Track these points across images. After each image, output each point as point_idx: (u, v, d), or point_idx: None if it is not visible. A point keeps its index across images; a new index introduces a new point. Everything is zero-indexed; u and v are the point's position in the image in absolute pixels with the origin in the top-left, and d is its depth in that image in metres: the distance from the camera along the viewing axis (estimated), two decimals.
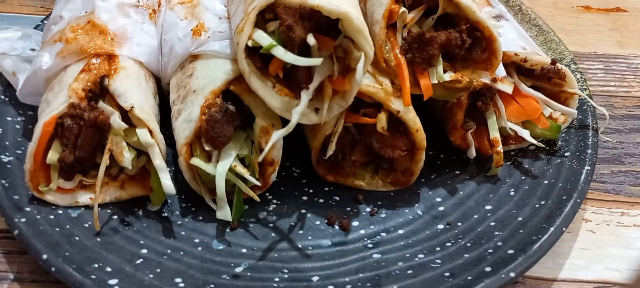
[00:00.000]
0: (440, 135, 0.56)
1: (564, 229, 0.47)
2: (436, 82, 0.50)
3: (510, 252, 0.45)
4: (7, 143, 0.52)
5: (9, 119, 0.55)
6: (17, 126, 0.54)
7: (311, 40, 0.45)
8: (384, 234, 0.49)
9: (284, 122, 0.47)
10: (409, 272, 0.45)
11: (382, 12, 0.50)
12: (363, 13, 0.51)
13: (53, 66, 0.51)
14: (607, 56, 0.75)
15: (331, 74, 0.47)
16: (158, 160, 0.47)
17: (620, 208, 0.54)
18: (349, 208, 0.52)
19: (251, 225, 0.49)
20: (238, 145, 0.49)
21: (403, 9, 0.51)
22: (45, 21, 0.64)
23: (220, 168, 0.47)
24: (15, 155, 0.51)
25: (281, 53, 0.44)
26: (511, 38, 0.56)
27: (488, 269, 0.44)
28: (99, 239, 0.46)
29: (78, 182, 0.49)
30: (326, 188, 0.53)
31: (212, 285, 0.44)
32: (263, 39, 0.45)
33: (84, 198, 0.49)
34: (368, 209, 0.51)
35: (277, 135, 0.45)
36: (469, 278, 0.43)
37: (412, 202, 0.52)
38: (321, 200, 0.52)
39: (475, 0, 0.55)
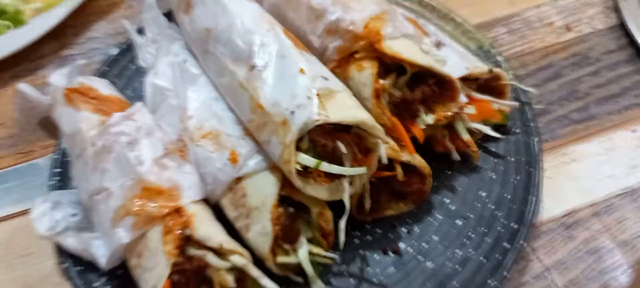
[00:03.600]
0: (425, 147, 0.76)
1: (539, 195, 0.70)
2: (424, 126, 0.70)
3: (515, 226, 0.68)
4: None
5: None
6: None
7: (342, 148, 0.62)
8: (425, 245, 0.70)
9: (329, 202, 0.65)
10: (457, 267, 0.66)
11: (371, 91, 0.69)
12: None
13: (133, 239, 0.63)
14: (505, 18, 0.97)
15: (354, 156, 0.65)
16: (255, 272, 0.63)
17: (560, 151, 0.79)
18: (391, 236, 0.71)
19: (334, 281, 0.67)
20: (304, 232, 0.67)
21: (383, 82, 0.69)
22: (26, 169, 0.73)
23: (303, 256, 0.65)
24: None
25: (327, 167, 0.62)
26: (455, 61, 0.76)
27: (506, 245, 0.66)
28: None
29: None
30: (367, 227, 0.72)
31: None
32: (308, 161, 0.62)
33: None
34: (405, 230, 0.71)
35: (343, 222, 0.63)
36: (498, 256, 0.66)
37: (432, 212, 0.73)
38: (369, 238, 0.71)
39: (415, 34, 0.74)
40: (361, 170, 0.62)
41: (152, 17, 0.87)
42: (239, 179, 0.68)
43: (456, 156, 0.75)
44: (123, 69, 0.88)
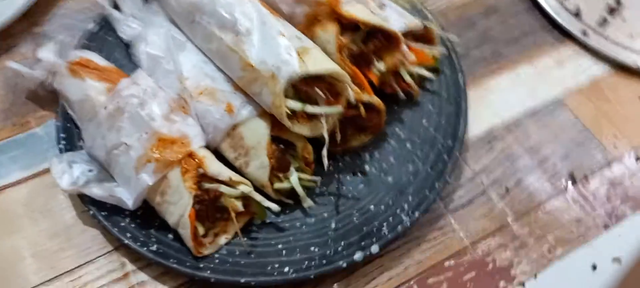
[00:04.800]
0: (377, 91, 0.95)
1: (466, 119, 0.91)
2: (377, 73, 0.89)
3: (450, 143, 0.89)
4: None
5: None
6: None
7: (320, 93, 0.80)
8: (384, 165, 0.89)
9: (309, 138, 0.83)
10: (411, 178, 0.87)
11: (335, 47, 0.86)
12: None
13: (156, 181, 0.78)
14: None
15: (327, 99, 0.83)
16: (258, 197, 0.80)
17: (479, 85, 1.02)
18: (358, 161, 0.90)
19: (318, 200, 0.86)
20: (292, 163, 0.84)
21: (343, 39, 0.87)
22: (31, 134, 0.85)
23: (294, 181, 0.82)
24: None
25: (311, 109, 0.79)
26: (396, 19, 0.95)
27: (446, 158, 0.88)
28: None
29: (213, 235, 0.80)
30: (338, 157, 0.91)
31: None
32: (295, 105, 0.79)
33: (222, 240, 0.80)
34: (368, 156, 0.91)
35: (325, 150, 0.81)
36: (440, 166, 0.87)
37: (387, 140, 0.92)
38: (341, 165, 0.90)
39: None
40: (338, 108, 0.81)
41: None
42: (234, 126, 0.84)
43: (402, 95, 0.95)
44: (102, 41, 0.99)
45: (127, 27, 0.97)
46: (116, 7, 0.99)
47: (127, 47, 0.98)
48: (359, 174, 0.89)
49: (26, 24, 1.06)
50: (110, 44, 0.99)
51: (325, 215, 0.84)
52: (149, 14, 0.95)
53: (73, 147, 0.86)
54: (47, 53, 0.91)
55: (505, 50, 1.07)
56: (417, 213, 0.81)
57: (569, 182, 0.91)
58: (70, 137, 0.87)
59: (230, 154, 0.84)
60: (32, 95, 0.97)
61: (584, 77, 1.05)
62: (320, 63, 0.82)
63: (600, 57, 1.07)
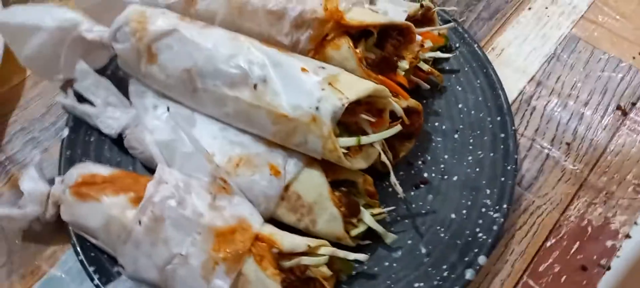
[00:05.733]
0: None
1: (502, 85, 0.86)
2: (403, 73, 0.82)
3: (499, 118, 0.84)
4: None
5: None
6: None
7: (366, 118, 0.72)
8: (442, 166, 0.83)
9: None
10: (477, 170, 0.81)
11: (355, 62, 0.79)
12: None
13: (231, 283, 0.67)
14: None
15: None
16: (342, 253, 0.71)
17: (489, 47, 0.97)
18: (413, 172, 0.83)
19: (394, 228, 0.78)
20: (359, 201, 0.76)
21: (358, 50, 0.79)
22: None
23: (369, 221, 0.75)
24: None
25: (367, 139, 0.71)
26: (393, 9, 0.88)
27: (502, 135, 0.82)
28: None
29: None
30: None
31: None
32: (349, 141, 0.71)
33: None
34: (420, 162, 0.84)
35: (393, 177, 0.74)
36: (502, 146, 0.82)
37: (432, 138, 0.86)
38: (398, 182, 0.81)
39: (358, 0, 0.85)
40: (396, 128, 0.73)
41: (91, 82, 0.85)
42: (286, 187, 0.74)
43: (425, 85, 0.89)
44: (86, 146, 0.86)
45: (110, 119, 0.84)
46: (81, 99, 0.86)
47: (114, 141, 0.85)
48: (422, 185, 0.82)
49: None
50: (96, 145, 0.86)
51: (410, 242, 0.77)
52: (134, 97, 0.82)
53: (110, 277, 0.74)
54: (30, 183, 0.77)
55: (497, 3, 1.03)
56: (505, 205, 0.76)
57: (620, 114, 0.89)
58: (101, 267, 0.74)
59: (290, 218, 0.75)
60: (28, 236, 0.82)
61: (580, 2, 1.03)
62: (357, 86, 0.74)
63: None
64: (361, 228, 0.75)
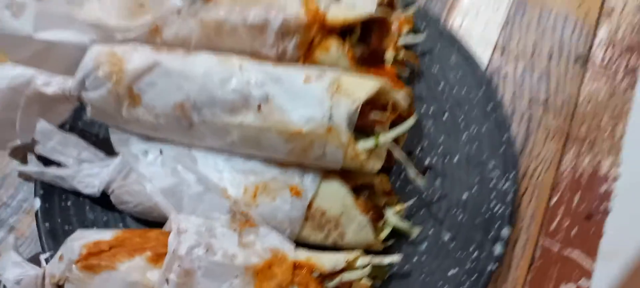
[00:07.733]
0: None
1: (475, 56, 0.90)
2: (390, 64, 0.83)
3: (481, 89, 0.87)
4: None
5: None
6: None
7: (377, 115, 0.72)
8: (441, 148, 0.85)
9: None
10: (475, 144, 0.84)
11: (347, 61, 0.79)
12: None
13: None
14: None
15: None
16: (377, 259, 0.71)
17: (450, 18, 1.00)
18: (415, 161, 0.85)
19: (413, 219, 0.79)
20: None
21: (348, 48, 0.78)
22: None
23: (395, 220, 0.75)
24: None
25: (386, 138, 0.71)
26: (366, 2, 0.88)
27: (491, 106, 0.86)
28: None
29: None
30: (394, 168, 0.83)
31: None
32: (368, 144, 0.70)
33: None
34: (418, 149, 0.86)
35: (411, 171, 0.74)
36: (494, 115, 0.85)
37: (423, 123, 0.87)
38: (403, 175, 0.83)
39: None
40: (412, 120, 0.73)
41: (57, 141, 0.77)
42: (308, 206, 0.72)
43: (405, 71, 0.90)
44: (65, 212, 0.77)
45: (88, 178, 0.76)
46: (47, 161, 0.77)
47: (94, 200, 0.77)
48: (427, 171, 0.84)
49: None
50: (75, 210, 0.77)
51: (431, 232, 0.78)
52: (120, 146, 0.74)
53: None
54: (15, 269, 0.69)
55: None
56: (513, 174, 0.80)
57: (582, 64, 0.96)
58: None
59: (317, 236, 0.73)
60: None
61: None
62: (362, 85, 0.73)
63: None
64: (387, 229, 0.75)
